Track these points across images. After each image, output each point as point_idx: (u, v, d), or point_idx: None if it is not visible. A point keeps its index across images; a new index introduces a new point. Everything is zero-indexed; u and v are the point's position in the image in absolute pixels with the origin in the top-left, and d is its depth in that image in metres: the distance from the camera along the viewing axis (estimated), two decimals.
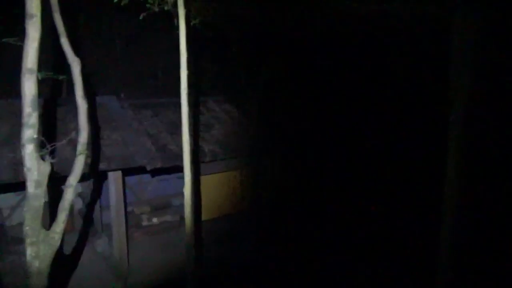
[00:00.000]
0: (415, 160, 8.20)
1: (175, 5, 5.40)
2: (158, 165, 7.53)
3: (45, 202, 4.08)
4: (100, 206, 8.62)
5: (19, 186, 6.02)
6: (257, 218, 8.87)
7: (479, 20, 4.82)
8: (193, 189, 6.30)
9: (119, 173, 7.52)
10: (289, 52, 8.93)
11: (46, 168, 3.93)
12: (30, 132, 3.76)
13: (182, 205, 8.44)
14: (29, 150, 3.78)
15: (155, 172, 8.63)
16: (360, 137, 9.31)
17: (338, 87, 9.30)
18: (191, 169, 6.05)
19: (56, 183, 5.13)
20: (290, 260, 7.85)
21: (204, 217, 8.55)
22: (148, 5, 5.50)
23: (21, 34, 3.80)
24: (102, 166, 6.92)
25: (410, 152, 8.29)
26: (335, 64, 8.94)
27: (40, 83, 3.88)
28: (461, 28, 4.87)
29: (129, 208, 9.17)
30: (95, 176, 7.85)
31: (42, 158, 3.91)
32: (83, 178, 4.68)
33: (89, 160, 6.39)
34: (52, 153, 4.08)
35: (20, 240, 7.56)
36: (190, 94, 5.79)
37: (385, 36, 7.44)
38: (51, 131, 6.86)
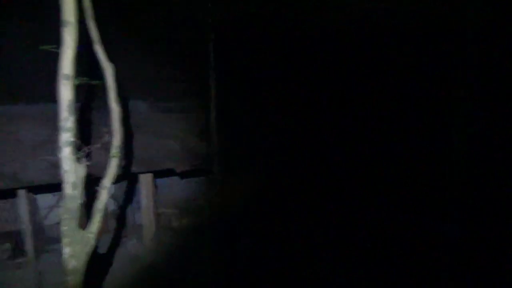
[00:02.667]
0: (414, 160, 8.00)
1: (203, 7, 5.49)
2: (187, 167, 7.65)
3: (81, 203, 4.21)
4: (132, 208, 8.83)
5: (56, 187, 6.28)
6: (256, 219, 8.87)
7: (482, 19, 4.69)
8: (221, 191, 6.38)
9: (150, 175, 7.69)
10: (283, 50, 8.85)
11: (81, 170, 4.07)
12: (67, 136, 3.91)
13: (210, 207, 8.56)
14: (66, 153, 3.93)
15: (184, 175, 8.77)
16: (358, 136, 9.19)
17: (335, 86, 9.18)
18: (219, 171, 6.14)
19: (90, 184, 5.30)
20: (290, 260, 7.83)
21: None
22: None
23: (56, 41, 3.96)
24: (133, 168, 7.09)
25: (409, 152, 8.10)
26: (332, 61, 8.82)
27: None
28: (465, 27, 4.75)
29: (160, 210, 9.34)
30: (127, 178, 8.05)
31: (78, 160, 4.05)
32: (116, 180, 4.81)
33: (121, 163, 6.57)
34: (87, 156, 4.22)
35: (57, 239, 7.87)
36: (217, 96, 5.87)
37: (384, 33, 7.29)
38: (86, 134, 7.09)
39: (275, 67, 9.26)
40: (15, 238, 7.65)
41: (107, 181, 4.44)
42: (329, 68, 9.06)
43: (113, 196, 9.04)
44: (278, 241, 8.56)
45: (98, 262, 7.05)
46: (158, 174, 8.01)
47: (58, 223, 8.39)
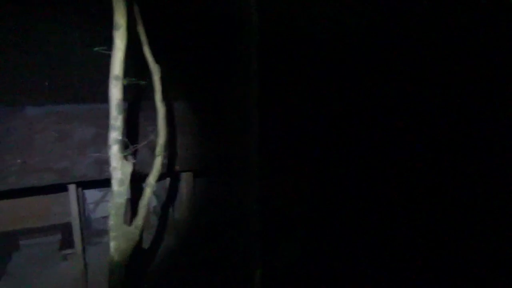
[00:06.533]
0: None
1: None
2: (224, 167, 7.76)
3: (127, 199, 4.37)
4: (173, 205, 9.06)
5: (102, 183, 6.57)
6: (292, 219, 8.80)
7: None
8: (260, 190, 6.38)
9: (190, 174, 7.86)
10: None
11: (128, 167, 4.21)
12: (115, 134, 4.06)
13: (246, 206, 8.59)
14: (114, 151, 4.09)
15: (220, 174, 8.90)
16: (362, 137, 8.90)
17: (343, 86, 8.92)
18: (258, 170, 6.15)
19: (135, 182, 5.49)
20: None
21: None
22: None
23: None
24: (176, 167, 7.28)
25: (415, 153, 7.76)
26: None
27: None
28: None
29: (198, 207, 9.52)
30: (169, 176, 8.27)
31: (125, 158, 4.20)
32: (159, 178, 4.95)
33: (165, 161, 6.76)
34: (134, 154, 4.37)
35: (103, 232, 8.24)
36: (259, 98, 5.90)
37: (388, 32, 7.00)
38: (132, 133, 7.36)
39: (320, 68, 9.17)
40: (64, 230, 8.08)
41: (152, 179, 4.58)
42: (380, 70, 8.86)
43: (154, 193, 9.33)
44: (316, 241, 8.49)
45: (140, 256, 7.30)
46: (198, 173, 8.18)
47: (103, 217, 8.81)
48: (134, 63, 5.27)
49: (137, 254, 4.97)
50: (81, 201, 7.90)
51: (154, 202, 9.33)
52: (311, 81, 9.37)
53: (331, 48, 8.96)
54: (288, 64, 9.05)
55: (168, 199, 8.99)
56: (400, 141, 8.89)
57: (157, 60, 4.87)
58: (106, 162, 4.31)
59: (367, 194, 9.03)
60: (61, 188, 6.95)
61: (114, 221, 4.32)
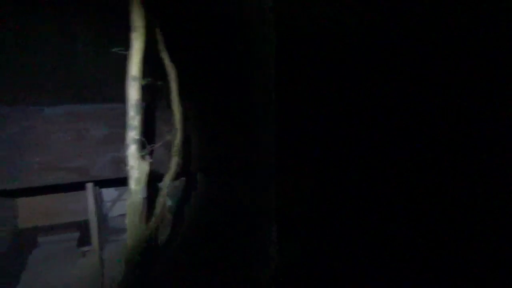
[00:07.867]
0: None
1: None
2: (236, 167, 7.75)
3: (143, 198, 4.42)
4: (188, 204, 9.12)
5: (119, 182, 6.64)
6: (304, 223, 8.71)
7: None
8: (275, 192, 6.39)
9: (199, 174, 7.89)
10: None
11: (145, 167, 4.27)
12: (133, 134, 4.13)
13: (257, 207, 8.60)
14: (132, 150, 4.15)
15: (231, 174, 8.89)
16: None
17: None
18: (269, 173, 6.16)
19: (151, 181, 5.54)
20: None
21: None
22: None
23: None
24: (188, 167, 7.31)
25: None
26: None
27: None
28: None
29: (209, 207, 9.54)
30: (184, 176, 8.32)
31: (143, 157, 4.25)
32: (175, 177, 4.99)
33: (180, 161, 6.80)
34: (151, 153, 4.42)
35: (119, 230, 8.35)
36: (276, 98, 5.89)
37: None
38: (148, 133, 7.42)
39: (344, 67, 9.07)
40: (82, 228, 8.22)
41: (168, 178, 4.62)
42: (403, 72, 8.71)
43: (169, 193, 9.39)
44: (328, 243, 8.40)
45: (155, 255, 7.36)
46: (205, 173, 8.21)
47: (120, 215, 8.92)
48: (149, 63, 5.33)
49: (152, 252, 5.02)
50: (98, 199, 8.01)
51: (169, 202, 9.40)
52: (311, 83, 9.27)
53: (355, 44, 8.86)
54: (304, 65, 8.99)
55: (182, 198, 9.05)
56: (400, 141, 8.77)
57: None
58: (123, 161, 4.36)
59: (368, 194, 8.92)
60: (79, 186, 7.07)
61: (131, 220, 4.38)
